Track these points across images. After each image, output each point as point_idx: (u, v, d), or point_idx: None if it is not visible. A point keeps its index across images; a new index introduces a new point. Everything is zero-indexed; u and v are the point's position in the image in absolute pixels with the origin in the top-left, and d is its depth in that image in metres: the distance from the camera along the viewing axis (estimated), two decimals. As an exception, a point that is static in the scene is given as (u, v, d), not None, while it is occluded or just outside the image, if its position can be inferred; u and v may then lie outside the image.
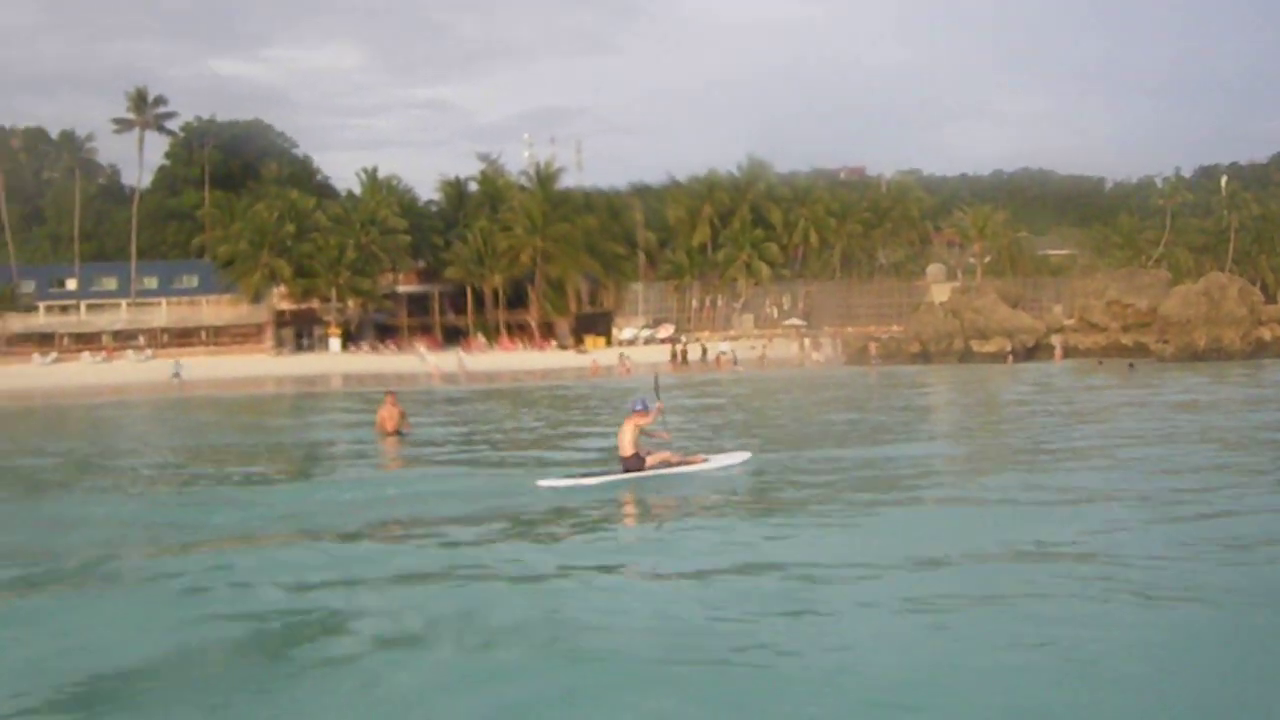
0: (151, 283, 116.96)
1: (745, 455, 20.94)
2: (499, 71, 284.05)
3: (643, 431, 19.27)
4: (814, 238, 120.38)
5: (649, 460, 19.02)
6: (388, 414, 26.63)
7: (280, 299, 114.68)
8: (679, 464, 19.40)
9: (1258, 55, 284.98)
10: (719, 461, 20.05)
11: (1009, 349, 73.95)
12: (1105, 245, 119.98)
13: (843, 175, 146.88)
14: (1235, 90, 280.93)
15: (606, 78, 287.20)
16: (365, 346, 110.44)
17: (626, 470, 18.82)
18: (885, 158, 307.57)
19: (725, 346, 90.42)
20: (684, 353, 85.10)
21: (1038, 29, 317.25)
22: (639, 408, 19.27)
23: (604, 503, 17.29)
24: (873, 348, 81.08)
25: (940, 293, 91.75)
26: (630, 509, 17.24)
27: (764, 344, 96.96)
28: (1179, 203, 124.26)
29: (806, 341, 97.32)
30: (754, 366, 77.63)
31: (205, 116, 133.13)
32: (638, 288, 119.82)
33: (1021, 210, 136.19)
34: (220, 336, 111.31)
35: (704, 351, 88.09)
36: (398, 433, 26.59)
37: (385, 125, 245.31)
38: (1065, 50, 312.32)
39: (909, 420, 33.39)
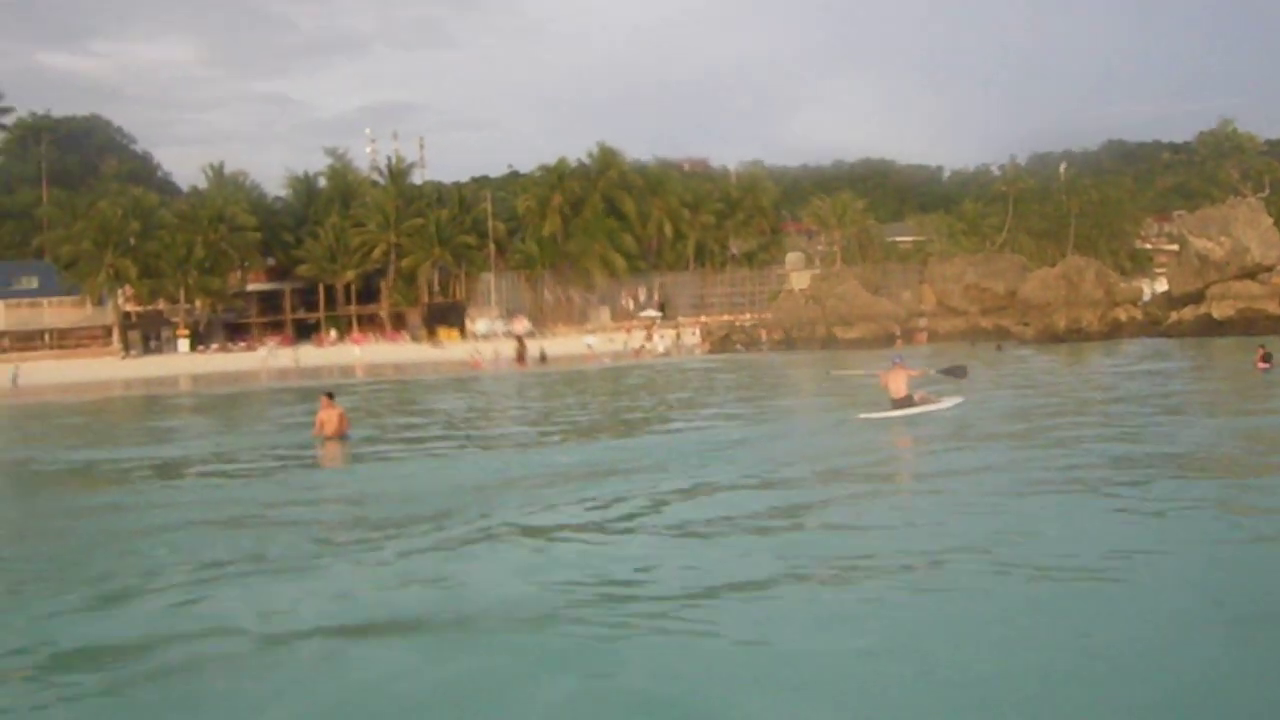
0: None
1: (960, 399, 26.10)
2: (338, 65, 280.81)
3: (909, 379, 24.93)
4: (668, 228, 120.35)
5: (917, 398, 24.79)
6: (326, 416, 25.60)
7: (126, 300, 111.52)
8: (933, 403, 25.13)
9: (1090, 46, 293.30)
10: (948, 403, 25.56)
11: (898, 333, 74.93)
12: (950, 232, 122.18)
13: (686, 167, 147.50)
14: (1067, 80, 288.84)
15: (447, 71, 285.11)
16: (215, 346, 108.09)
17: (898, 407, 24.36)
18: (727, 149, 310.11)
19: (591, 340, 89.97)
20: (523, 349, 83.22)
21: (874, 21, 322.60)
22: (899, 360, 25.55)
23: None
24: (763, 334, 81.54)
25: (800, 280, 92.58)
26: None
27: (641, 336, 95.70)
28: (1020, 189, 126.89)
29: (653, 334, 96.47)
30: (631, 359, 76.99)
31: (39, 112, 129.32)
32: (489, 278, 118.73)
33: (863, 199, 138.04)
34: (64, 340, 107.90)
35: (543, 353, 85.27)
36: (341, 436, 25.59)
37: (223, 120, 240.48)
38: (902, 41, 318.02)
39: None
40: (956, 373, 26.36)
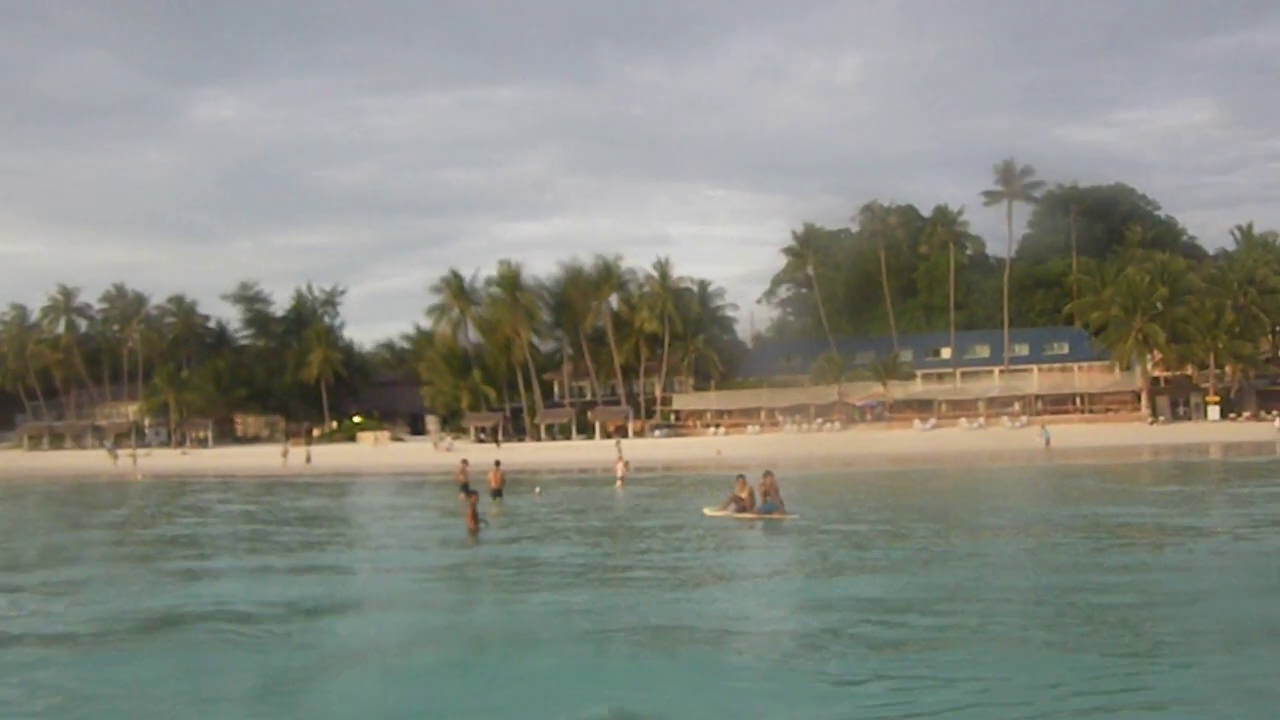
0: (1022, 350, 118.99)
1: None
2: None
3: None
4: None
5: None
6: None
7: (1154, 365, 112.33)
8: None
9: None
10: None
11: None
12: None
13: None
14: None
15: None
16: (1246, 415, 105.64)
17: None
18: None
19: None
20: None
21: None
22: None
23: None
24: None
25: None
26: None
27: None
28: None
29: None
30: None
31: (1065, 184, 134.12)
32: None
33: None
34: (1093, 404, 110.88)
35: None
36: None
37: (1244, 180, 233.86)
38: None
39: None
40: None
